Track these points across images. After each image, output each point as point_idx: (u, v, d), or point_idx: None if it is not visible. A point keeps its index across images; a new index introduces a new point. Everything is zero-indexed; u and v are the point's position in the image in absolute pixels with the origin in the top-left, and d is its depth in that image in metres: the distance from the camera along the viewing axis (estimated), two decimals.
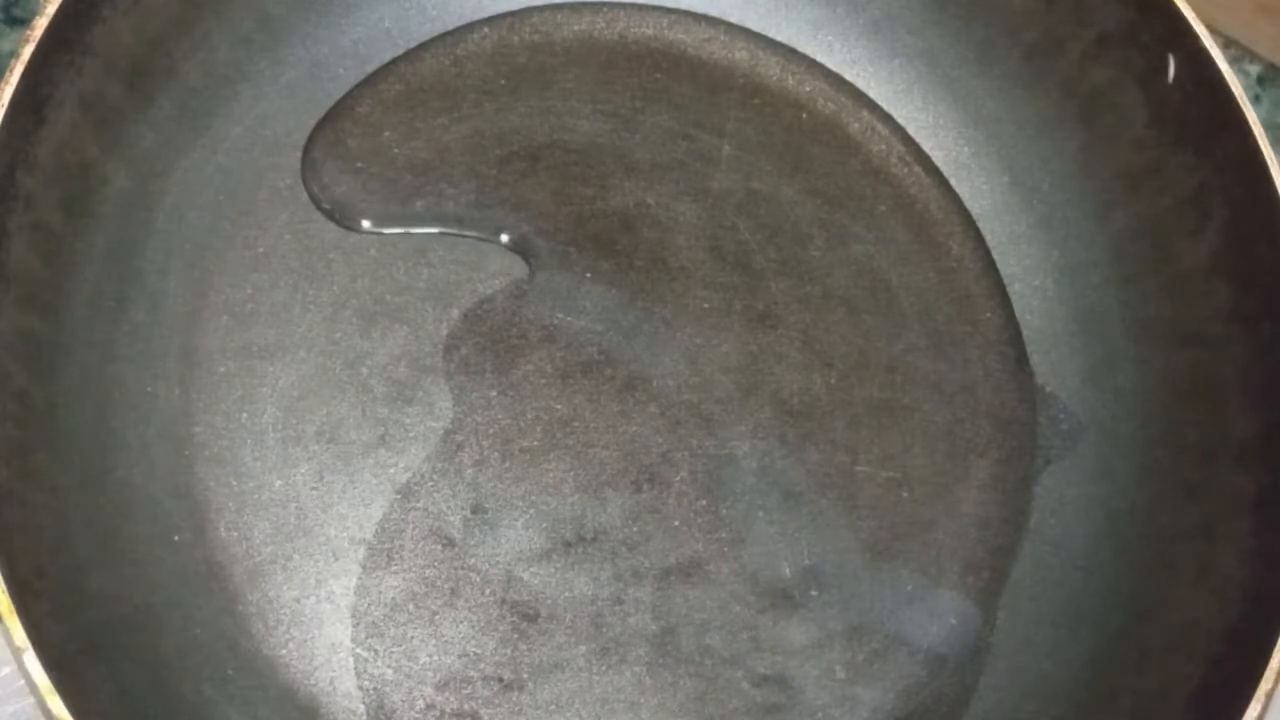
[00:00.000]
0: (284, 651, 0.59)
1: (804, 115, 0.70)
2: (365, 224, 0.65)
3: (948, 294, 0.68)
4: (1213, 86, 0.60)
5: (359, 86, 0.68)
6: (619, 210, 0.67)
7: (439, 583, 0.60)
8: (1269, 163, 0.58)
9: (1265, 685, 0.52)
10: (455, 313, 0.65)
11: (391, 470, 0.62)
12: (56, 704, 0.47)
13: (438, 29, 0.70)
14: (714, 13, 0.72)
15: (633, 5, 0.72)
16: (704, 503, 0.62)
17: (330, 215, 0.65)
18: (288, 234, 0.65)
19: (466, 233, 0.65)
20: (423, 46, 0.69)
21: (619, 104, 0.69)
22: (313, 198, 0.65)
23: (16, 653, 0.47)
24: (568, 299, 0.65)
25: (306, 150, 0.66)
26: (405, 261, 0.65)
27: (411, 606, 0.60)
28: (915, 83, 0.72)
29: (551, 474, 0.62)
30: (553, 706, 0.59)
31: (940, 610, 0.62)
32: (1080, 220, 0.68)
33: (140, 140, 0.61)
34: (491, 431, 0.63)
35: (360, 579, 0.60)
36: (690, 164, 0.69)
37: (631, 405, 0.64)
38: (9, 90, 0.53)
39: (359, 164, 0.66)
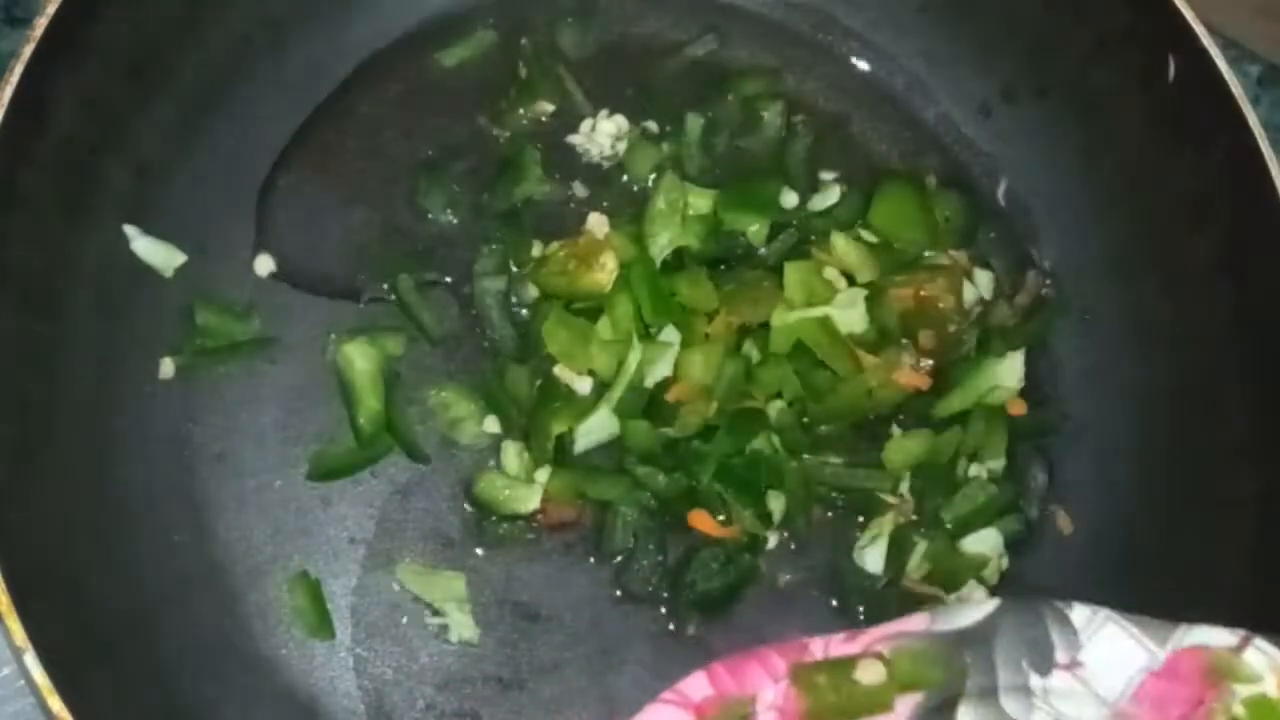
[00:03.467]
0: (284, 651, 0.59)
1: (804, 115, 0.70)
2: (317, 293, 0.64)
3: None
4: (1213, 86, 0.60)
5: (358, 86, 0.68)
6: None
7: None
8: (1269, 163, 0.58)
9: None
10: (454, 312, 0.65)
11: (391, 470, 0.62)
12: (56, 704, 0.47)
13: (438, 28, 0.70)
14: (714, 12, 0.72)
15: (632, 5, 0.72)
16: None
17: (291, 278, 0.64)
18: (287, 232, 0.65)
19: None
20: (423, 46, 0.69)
21: (619, 104, 0.69)
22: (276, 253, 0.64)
23: (16, 653, 0.47)
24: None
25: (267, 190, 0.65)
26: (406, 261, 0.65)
27: (411, 606, 0.60)
28: (915, 83, 0.72)
29: None
30: (552, 706, 0.59)
31: None
32: (1080, 220, 0.68)
33: (140, 140, 0.61)
34: None
35: (360, 579, 0.60)
36: None
37: None
38: (9, 90, 0.54)
39: (357, 165, 0.66)
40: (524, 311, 0.64)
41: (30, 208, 0.56)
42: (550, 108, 0.69)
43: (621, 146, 0.68)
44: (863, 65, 0.73)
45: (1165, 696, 0.50)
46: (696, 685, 0.51)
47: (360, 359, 0.62)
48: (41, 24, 0.55)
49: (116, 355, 0.60)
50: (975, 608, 0.51)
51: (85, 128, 0.58)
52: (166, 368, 0.61)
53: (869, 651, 0.50)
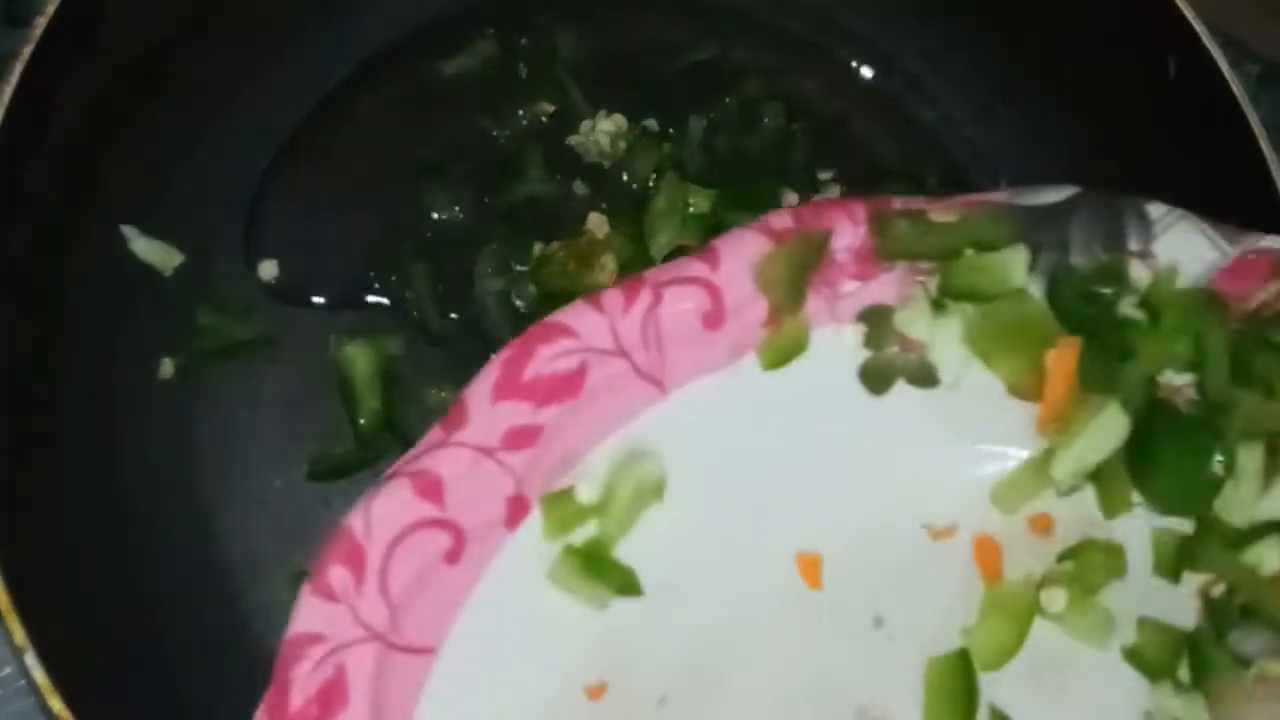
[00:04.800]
0: None
1: (804, 115, 0.70)
2: (318, 299, 0.64)
3: None
4: (1213, 86, 0.60)
5: (358, 87, 0.68)
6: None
7: None
8: (1269, 163, 0.58)
9: None
10: (454, 312, 0.65)
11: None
12: (57, 704, 0.47)
13: (438, 28, 0.70)
14: (714, 14, 0.72)
15: (633, 5, 0.72)
16: None
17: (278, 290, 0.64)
18: (287, 234, 0.65)
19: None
20: (423, 46, 0.69)
21: (619, 104, 0.69)
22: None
23: (16, 653, 0.47)
24: None
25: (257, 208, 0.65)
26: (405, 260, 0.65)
27: None
28: (916, 83, 0.72)
29: None
30: None
31: None
32: None
33: (140, 140, 0.61)
34: None
35: None
36: None
37: None
38: (9, 90, 0.54)
39: (357, 165, 0.66)
40: (524, 311, 0.64)
41: (30, 208, 0.56)
42: (550, 108, 0.69)
43: (621, 146, 0.68)
44: (863, 66, 0.73)
45: (1229, 293, 0.52)
46: (779, 218, 0.52)
47: (360, 359, 0.62)
48: (41, 24, 0.55)
49: (116, 355, 0.60)
50: (1054, 190, 0.54)
51: (85, 128, 0.58)
52: (166, 368, 0.61)
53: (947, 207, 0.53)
